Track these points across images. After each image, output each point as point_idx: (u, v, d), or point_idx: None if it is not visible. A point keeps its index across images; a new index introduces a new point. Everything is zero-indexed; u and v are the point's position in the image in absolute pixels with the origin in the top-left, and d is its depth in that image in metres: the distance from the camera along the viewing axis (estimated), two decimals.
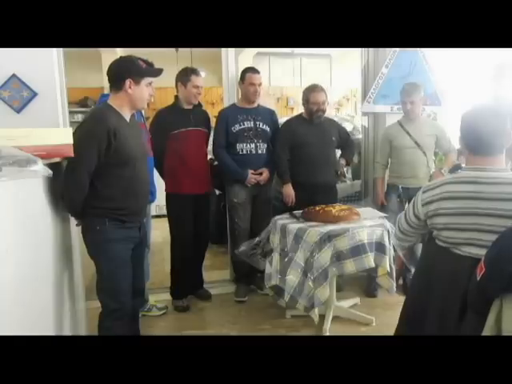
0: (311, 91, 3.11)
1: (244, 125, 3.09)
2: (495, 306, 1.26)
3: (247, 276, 3.28)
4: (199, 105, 3.08)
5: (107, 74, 1.95)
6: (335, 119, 3.76)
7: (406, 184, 3.12)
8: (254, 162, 3.12)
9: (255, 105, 3.16)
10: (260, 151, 3.12)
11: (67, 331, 1.93)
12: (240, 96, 3.24)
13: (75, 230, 2.00)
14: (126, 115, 1.97)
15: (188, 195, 2.95)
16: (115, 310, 1.94)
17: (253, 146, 3.09)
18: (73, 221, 2.04)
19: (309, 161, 3.10)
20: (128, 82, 1.89)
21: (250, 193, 3.15)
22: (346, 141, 3.31)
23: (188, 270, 3.11)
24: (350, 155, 3.37)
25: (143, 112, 2.95)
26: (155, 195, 2.83)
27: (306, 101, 3.13)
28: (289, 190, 3.13)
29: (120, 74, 1.91)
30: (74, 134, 1.77)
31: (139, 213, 2.05)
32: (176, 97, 3.03)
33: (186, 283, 3.14)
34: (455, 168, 3.51)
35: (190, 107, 3.01)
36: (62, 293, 1.90)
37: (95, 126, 1.84)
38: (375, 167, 3.39)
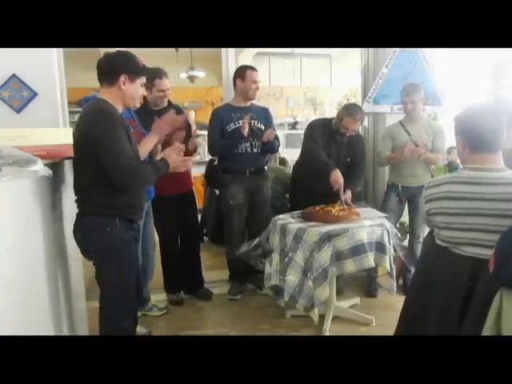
0: (348, 115, 2.90)
1: (239, 123, 3.05)
2: (495, 305, 1.26)
3: (242, 274, 3.29)
4: (170, 105, 2.95)
5: (101, 66, 1.86)
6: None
7: (406, 183, 3.13)
8: (250, 161, 3.11)
9: (249, 103, 3.14)
10: (255, 150, 3.10)
11: (65, 331, 1.93)
12: (236, 94, 3.16)
13: (69, 229, 1.95)
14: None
15: (168, 196, 2.91)
16: (128, 311, 1.94)
17: (248, 144, 3.06)
18: (68, 220, 1.99)
19: (320, 172, 2.94)
20: (123, 77, 1.82)
21: (247, 193, 3.14)
22: (354, 166, 3.09)
23: (178, 266, 3.12)
24: (356, 186, 3.17)
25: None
26: (152, 193, 2.82)
27: (340, 118, 2.95)
28: (337, 176, 2.81)
29: (115, 69, 1.83)
30: (91, 131, 1.74)
31: (142, 210, 2.03)
32: (145, 98, 2.84)
33: (178, 278, 3.16)
34: (453, 166, 3.52)
35: (160, 108, 2.88)
36: (58, 293, 1.87)
37: (113, 118, 1.79)
38: (379, 158, 3.30)
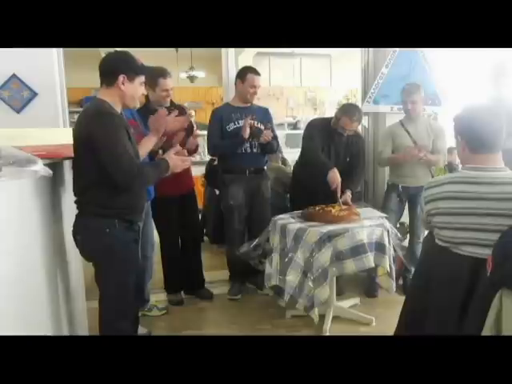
0: (345, 115, 2.89)
1: (239, 124, 3.05)
2: (495, 305, 1.26)
3: (242, 274, 3.29)
4: (173, 104, 2.96)
5: (100, 67, 1.86)
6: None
7: (406, 183, 3.13)
8: (249, 161, 3.10)
9: (248, 103, 3.14)
10: (255, 150, 3.09)
11: (65, 331, 1.92)
12: (235, 94, 3.18)
13: (69, 230, 1.95)
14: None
15: (170, 197, 2.90)
16: (128, 312, 1.93)
17: (247, 144, 3.06)
18: (66, 221, 2.00)
19: (319, 173, 2.94)
20: (121, 77, 1.81)
21: (247, 193, 3.14)
22: (354, 166, 3.08)
23: (178, 267, 3.13)
24: (355, 186, 3.12)
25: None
26: (152, 194, 2.82)
27: (337, 118, 2.94)
28: (334, 176, 2.82)
29: (113, 69, 1.83)
30: (91, 131, 1.73)
31: (142, 211, 2.03)
32: (147, 97, 2.88)
33: (179, 278, 3.17)
34: (453, 167, 3.53)
35: (162, 108, 2.80)
36: (58, 293, 1.87)
37: (114, 119, 1.78)
38: (380, 158, 3.27)
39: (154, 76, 2.77)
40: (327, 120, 3.12)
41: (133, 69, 1.85)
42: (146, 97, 2.90)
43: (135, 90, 1.88)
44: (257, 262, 2.86)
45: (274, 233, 2.74)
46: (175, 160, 1.93)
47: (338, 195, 2.82)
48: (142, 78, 1.90)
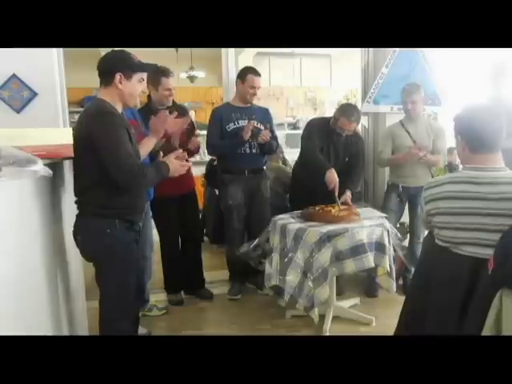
0: (343, 115, 2.89)
1: (239, 124, 3.06)
2: (495, 305, 1.26)
3: (242, 274, 3.29)
4: (175, 104, 2.97)
5: (98, 67, 1.86)
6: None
7: (407, 183, 3.13)
8: (248, 161, 3.10)
9: (249, 104, 3.14)
10: (254, 150, 3.09)
11: (65, 331, 1.92)
12: (235, 95, 3.18)
13: (69, 230, 1.94)
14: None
15: (171, 196, 2.90)
16: (129, 312, 1.93)
17: (247, 145, 3.05)
18: (66, 221, 1.99)
19: (317, 173, 2.93)
20: (118, 76, 1.80)
21: (246, 192, 3.14)
22: (353, 166, 3.08)
23: (178, 266, 3.13)
24: (355, 186, 3.10)
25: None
26: (152, 194, 2.81)
27: (336, 118, 2.94)
28: (332, 176, 2.83)
29: (110, 68, 1.82)
30: (92, 131, 1.73)
31: (143, 211, 2.02)
32: (149, 96, 2.92)
33: (179, 278, 3.17)
34: (453, 167, 3.53)
35: (164, 107, 2.85)
36: (58, 293, 1.87)
37: (114, 119, 1.78)
38: (380, 158, 3.27)
39: (157, 75, 2.78)
40: (326, 120, 3.12)
41: (129, 66, 1.84)
42: (148, 96, 2.91)
43: (133, 88, 1.86)
44: (257, 262, 2.87)
45: (273, 233, 2.74)
46: (175, 164, 1.93)
47: (336, 195, 2.82)
48: (140, 75, 1.88)
